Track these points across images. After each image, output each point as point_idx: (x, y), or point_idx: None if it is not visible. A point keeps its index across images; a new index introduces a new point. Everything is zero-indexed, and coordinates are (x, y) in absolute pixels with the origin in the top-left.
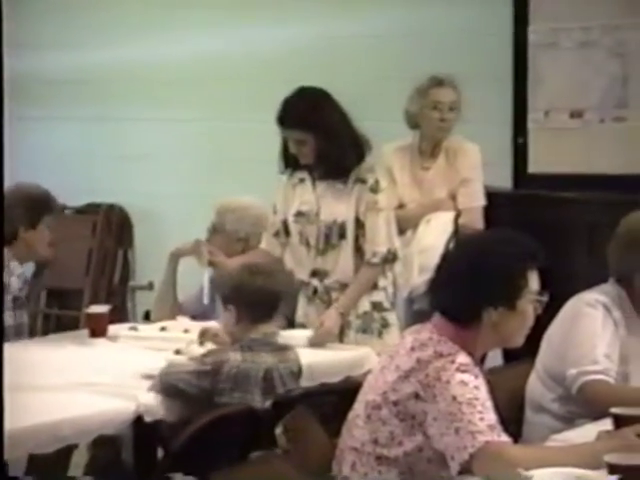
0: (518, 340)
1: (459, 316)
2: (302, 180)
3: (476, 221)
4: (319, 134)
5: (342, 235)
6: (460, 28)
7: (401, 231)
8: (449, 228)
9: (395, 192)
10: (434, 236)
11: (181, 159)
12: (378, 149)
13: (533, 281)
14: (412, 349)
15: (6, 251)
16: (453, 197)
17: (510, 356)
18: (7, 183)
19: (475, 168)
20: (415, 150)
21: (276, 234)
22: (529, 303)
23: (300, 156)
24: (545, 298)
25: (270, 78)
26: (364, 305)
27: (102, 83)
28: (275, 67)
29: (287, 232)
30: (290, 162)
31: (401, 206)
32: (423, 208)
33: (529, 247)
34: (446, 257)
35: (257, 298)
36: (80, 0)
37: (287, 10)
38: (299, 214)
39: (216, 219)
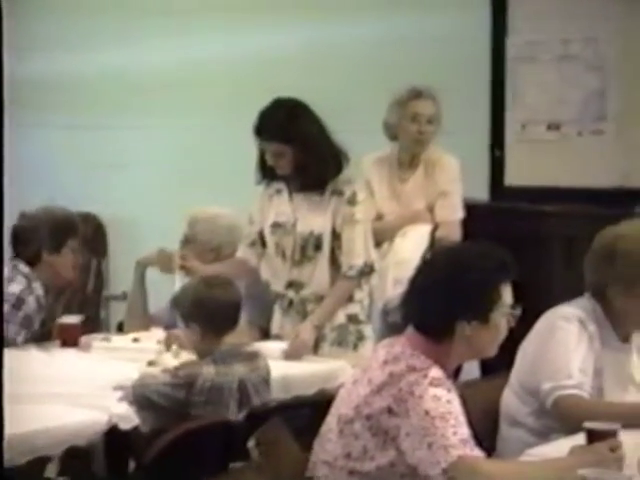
0: (490, 352)
1: (432, 330)
2: (279, 191)
3: (454, 234)
4: (297, 146)
5: (318, 247)
6: (438, 39)
7: (378, 243)
8: (425, 241)
9: (373, 204)
10: (410, 249)
11: (156, 168)
12: (357, 160)
13: (506, 294)
14: (385, 363)
15: (30, 272)
16: (431, 210)
17: (487, 368)
18: None
19: (453, 181)
20: (394, 162)
21: (252, 244)
22: (502, 316)
23: (277, 167)
24: (518, 311)
25: (248, 87)
26: (339, 318)
27: (76, 91)
28: (253, 76)
29: (263, 243)
30: (267, 173)
31: (379, 218)
32: (401, 220)
33: (502, 260)
34: (419, 270)
35: (219, 310)
36: (58, 6)
37: (267, 19)
38: (276, 225)
39: (187, 230)
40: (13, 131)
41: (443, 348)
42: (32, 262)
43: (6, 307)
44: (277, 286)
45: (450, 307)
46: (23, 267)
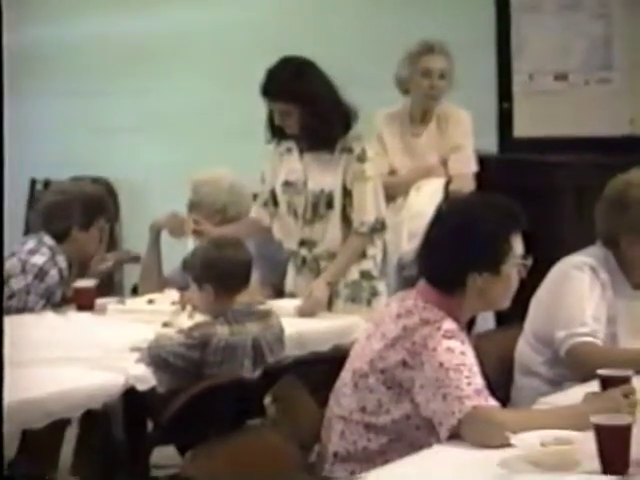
0: (503, 303)
1: (443, 282)
2: (289, 150)
3: (467, 187)
4: (303, 105)
5: (330, 205)
6: None
7: (392, 198)
8: (440, 194)
9: (386, 159)
10: (424, 202)
11: (164, 131)
12: (368, 115)
13: (517, 245)
14: (398, 316)
15: (57, 246)
16: (444, 163)
17: (502, 319)
18: None
19: (467, 135)
20: (406, 116)
21: (264, 204)
22: (513, 267)
23: (285, 127)
24: (529, 262)
25: (255, 47)
26: (353, 274)
27: (83, 56)
28: (260, 36)
29: (275, 202)
30: (276, 132)
31: (392, 173)
32: (414, 174)
33: (512, 211)
34: (430, 223)
35: (230, 270)
36: None
37: None
38: (287, 184)
39: (192, 195)
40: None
41: (455, 300)
42: (60, 237)
43: (29, 277)
44: (290, 244)
45: (461, 259)
46: (48, 239)
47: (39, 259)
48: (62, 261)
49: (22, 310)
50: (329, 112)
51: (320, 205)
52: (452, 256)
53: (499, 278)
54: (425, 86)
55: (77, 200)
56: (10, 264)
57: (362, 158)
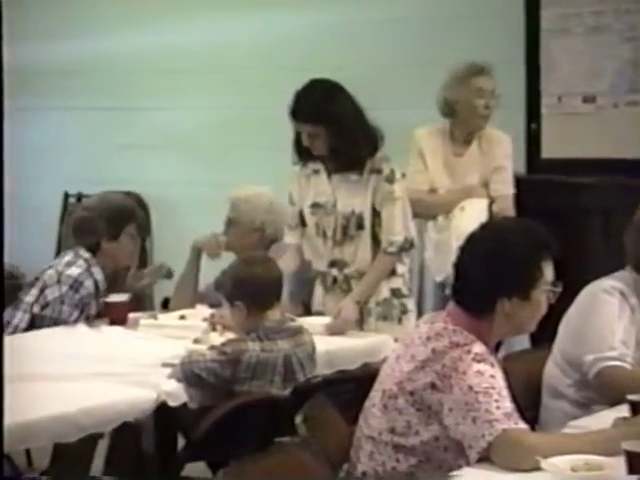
0: (529, 328)
1: (473, 306)
2: (316, 171)
3: (509, 209)
4: (331, 127)
5: (360, 226)
6: (473, 14)
7: (432, 216)
8: (484, 215)
9: (427, 175)
10: (470, 223)
11: (195, 147)
12: (393, 136)
13: (548, 271)
14: (428, 339)
15: (91, 257)
16: (485, 184)
17: (538, 340)
18: (25, 173)
19: (508, 157)
20: (447, 136)
21: (296, 226)
22: (543, 293)
23: (313, 148)
24: (559, 289)
25: (284, 65)
26: (384, 292)
27: (114, 72)
28: (289, 54)
29: (303, 223)
30: (303, 153)
31: (432, 191)
32: (455, 194)
33: (544, 238)
34: (463, 246)
35: (261, 287)
36: None
37: None
38: (315, 205)
39: (231, 212)
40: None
41: (484, 324)
42: (92, 250)
43: (64, 288)
44: (319, 265)
45: (491, 283)
46: (83, 252)
47: (75, 271)
48: (98, 273)
49: (56, 320)
50: (356, 134)
51: (350, 226)
52: (482, 280)
53: (528, 304)
54: (480, 106)
55: (102, 213)
56: (47, 275)
57: (391, 179)
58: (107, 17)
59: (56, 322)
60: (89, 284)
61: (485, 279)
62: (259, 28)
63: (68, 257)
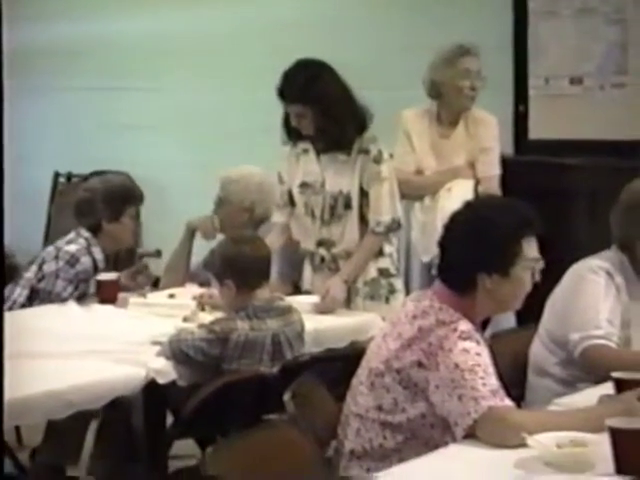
0: (513, 306)
1: (455, 283)
2: (306, 151)
3: (495, 189)
4: (317, 107)
5: (348, 205)
6: None
7: (419, 197)
8: (470, 196)
9: (413, 157)
10: (456, 203)
11: (185, 128)
12: (382, 117)
13: (529, 249)
14: (414, 317)
15: (91, 237)
16: (471, 165)
17: (524, 319)
18: (14, 153)
19: (494, 138)
20: (434, 118)
21: (284, 205)
22: (524, 270)
23: (301, 128)
24: (541, 264)
25: (274, 47)
26: (371, 272)
27: (106, 53)
28: (279, 36)
29: (292, 202)
30: (293, 133)
31: (418, 172)
32: (442, 175)
33: (524, 215)
34: (445, 225)
35: (250, 265)
36: None
37: None
38: (304, 185)
39: (221, 191)
40: (38, 95)
41: (467, 301)
42: (94, 231)
43: (60, 263)
44: (308, 244)
45: (470, 260)
46: (84, 232)
47: (73, 247)
48: (98, 252)
49: (50, 293)
50: (343, 114)
51: (338, 206)
52: (462, 257)
53: (508, 280)
54: (466, 87)
55: (102, 194)
56: (47, 251)
57: (378, 159)
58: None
59: (50, 295)
60: (86, 261)
61: (465, 256)
62: (250, 11)
63: (70, 236)
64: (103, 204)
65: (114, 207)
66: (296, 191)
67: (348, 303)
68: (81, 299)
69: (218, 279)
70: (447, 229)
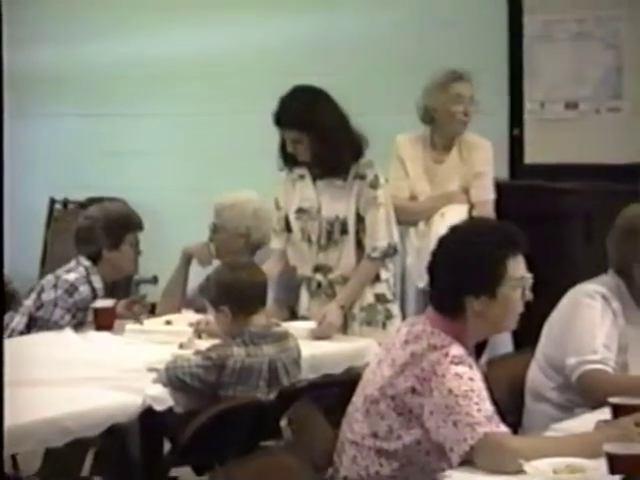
0: (506, 326)
1: (445, 307)
2: (302, 177)
3: (489, 213)
4: (314, 133)
5: (344, 231)
6: (457, 21)
7: (413, 223)
8: None
9: (407, 182)
10: None
11: (181, 154)
12: (378, 141)
13: (515, 268)
14: (406, 342)
15: (91, 265)
16: (465, 190)
17: (521, 344)
18: (9, 180)
19: (488, 163)
20: (427, 143)
21: (281, 231)
22: (512, 290)
23: (297, 154)
24: (529, 282)
25: (268, 71)
26: (368, 297)
27: (101, 79)
28: (272, 60)
29: (288, 228)
30: (289, 159)
31: (413, 198)
32: (436, 201)
33: (507, 234)
34: (434, 250)
35: (246, 291)
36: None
37: (284, 4)
38: (301, 210)
39: (216, 218)
40: (33, 120)
41: (459, 325)
42: (94, 259)
43: (59, 292)
44: (304, 270)
45: (457, 283)
46: (84, 260)
47: (72, 276)
48: (97, 281)
49: (47, 322)
50: (340, 140)
51: (334, 231)
52: (449, 281)
53: (497, 301)
54: (459, 112)
55: (101, 223)
56: (46, 279)
57: (374, 184)
58: (94, 24)
59: (48, 324)
60: (84, 290)
61: (451, 280)
62: (244, 36)
63: (70, 265)
64: (103, 232)
65: (114, 235)
66: (292, 217)
67: (345, 329)
68: (78, 327)
69: (214, 305)
70: (434, 254)
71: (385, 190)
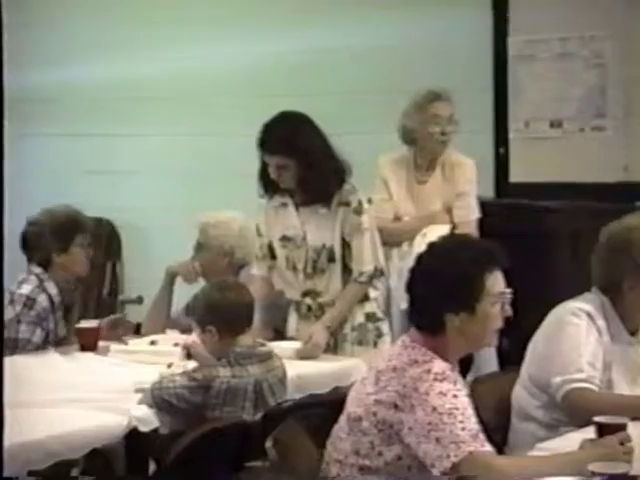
0: (486, 342)
1: (425, 325)
2: (284, 204)
3: (472, 234)
4: (301, 159)
5: (331, 259)
6: (441, 41)
7: (397, 243)
8: None
9: (391, 204)
10: None
11: (166, 173)
12: (360, 161)
13: (493, 283)
14: (389, 359)
15: (42, 272)
16: (448, 210)
17: (506, 363)
18: None
19: (471, 182)
20: (411, 163)
21: (262, 257)
22: (491, 305)
23: (280, 181)
24: (508, 296)
25: (250, 93)
26: (358, 317)
27: (85, 100)
28: (257, 82)
29: (272, 255)
30: (270, 186)
31: (396, 219)
32: (419, 221)
33: (485, 250)
34: (412, 268)
35: (233, 312)
36: (61, 17)
37: (267, 25)
38: (285, 238)
39: (200, 236)
40: (18, 141)
41: (439, 341)
42: (44, 265)
43: (18, 308)
44: (293, 295)
45: (436, 301)
46: (34, 267)
47: (25, 288)
48: (52, 287)
49: (15, 340)
50: (325, 167)
51: (321, 259)
52: (427, 298)
53: (476, 317)
54: (437, 132)
55: (48, 228)
56: None
57: (359, 210)
58: (79, 44)
59: (16, 342)
60: (42, 299)
61: (430, 297)
62: (228, 57)
63: (21, 276)
64: (51, 237)
65: (63, 238)
66: (277, 245)
67: (336, 350)
68: (49, 337)
69: (200, 325)
70: (413, 272)
71: (369, 215)
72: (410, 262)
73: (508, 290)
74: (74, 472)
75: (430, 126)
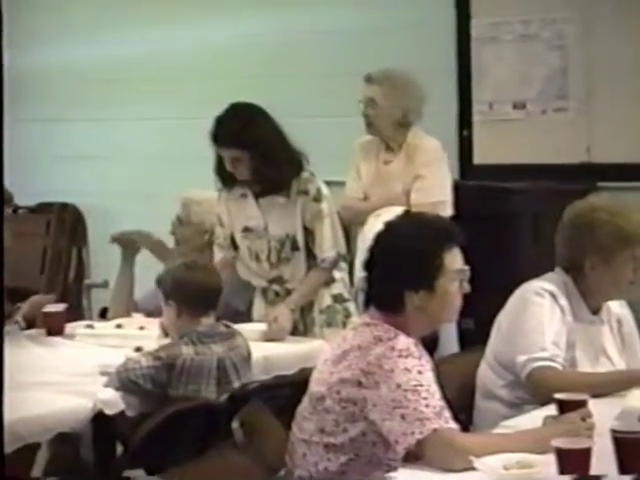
0: (447, 318)
1: (385, 304)
2: (244, 195)
3: None
4: (254, 151)
5: (295, 247)
6: (405, 24)
7: (362, 223)
8: None
9: (361, 184)
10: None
11: (132, 158)
12: (331, 144)
13: (452, 260)
14: (352, 337)
15: None
16: (407, 193)
17: (467, 343)
18: None
19: (429, 164)
20: (382, 146)
21: (225, 247)
22: (450, 282)
23: (236, 173)
24: (467, 273)
25: (220, 75)
26: (326, 299)
27: (51, 83)
28: (224, 65)
29: (235, 246)
30: (227, 178)
31: (365, 198)
32: (380, 202)
33: (442, 227)
34: (370, 247)
35: (196, 293)
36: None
37: (234, 8)
38: (247, 229)
39: (181, 211)
40: None
41: (400, 320)
42: None
43: None
44: (259, 282)
45: (395, 279)
46: None
47: None
48: None
49: None
50: (279, 157)
51: (285, 249)
52: (386, 277)
53: (435, 294)
54: (363, 114)
55: None
56: None
57: (318, 198)
58: (46, 28)
59: None
60: None
61: (388, 275)
62: (195, 40)
63: None
64: None
65: None
66: (239, 236)
67: (305, 332)
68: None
69: (165, 298)
70: (371, 251)
71: (328, 201)
72: (358, 246)
73: (466, 267)
74: (39, 456)
75: (362, 108)
